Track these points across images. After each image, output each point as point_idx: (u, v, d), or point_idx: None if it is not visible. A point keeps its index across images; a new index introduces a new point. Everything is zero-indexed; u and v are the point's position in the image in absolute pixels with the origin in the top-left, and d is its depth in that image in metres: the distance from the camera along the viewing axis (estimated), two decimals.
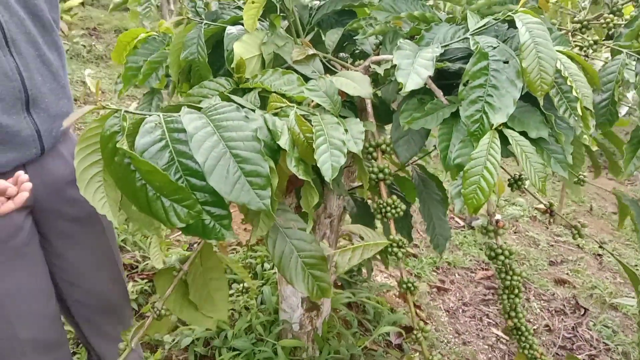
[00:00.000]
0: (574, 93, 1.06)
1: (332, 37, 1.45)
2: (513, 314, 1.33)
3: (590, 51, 1.49)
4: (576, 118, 1.06)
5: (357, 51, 1.57)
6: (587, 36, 1.53)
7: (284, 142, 0.99)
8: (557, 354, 2.76)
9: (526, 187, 1.40)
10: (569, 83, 1.06)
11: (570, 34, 1.52)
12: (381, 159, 1.21)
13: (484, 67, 1.06)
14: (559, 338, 2.92)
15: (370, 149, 1.21)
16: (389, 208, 1.15)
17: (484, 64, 1.06)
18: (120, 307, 1.66)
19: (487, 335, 2.84)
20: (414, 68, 1.05)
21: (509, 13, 1.09)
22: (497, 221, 1.26)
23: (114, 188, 0.92)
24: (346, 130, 1.08)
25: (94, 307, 1.58)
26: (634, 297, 3.29)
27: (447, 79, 1.25)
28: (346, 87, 1.18)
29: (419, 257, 3.51)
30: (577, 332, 3.01)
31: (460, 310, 3.04)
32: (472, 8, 1.22)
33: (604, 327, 3.07)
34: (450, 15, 1.32)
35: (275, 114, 1.13)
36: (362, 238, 1.14)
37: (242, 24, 1.33)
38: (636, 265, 4.17)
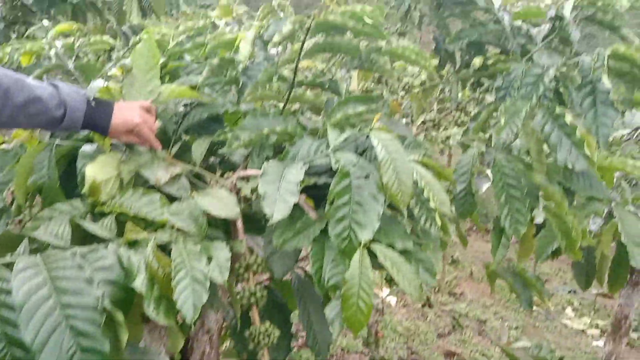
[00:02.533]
0: (432, 204, 1.10)
1: (199, 149, 1.40)
2: None
3: (447, 143, 1.59)
4: (436, 227, 1.09)
5: (226, 158, 1.54)
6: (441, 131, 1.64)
7: (139, 283, 0.91)
8: None
9: None
10: (426, 194, 1.10)
11: (423, 132, 1.63)
12: (252, 280, 1.16)
13: (347, 186, 1.07)
14: None
15: (241, 271, 1.15)
16: (261, 337, 1.08)
17: (346, 183, 1.07)
18: None
19: None
20: (280, 195, 1.03)
21: (366, 132, 1.13)
22: (376, 332, 1.25)
23: None
24: (210, 259, 1.01)
25: None
26: None
27: (317, 188, 1.26)
28: (212, 207, 1.13)
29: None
30: None
31: None
32: (332, 122, 1.25)
33: None
34: (314, 127, 1.34)
35: (133, 244, 1.05)
36: None
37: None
38: (517, 327, 4.42)
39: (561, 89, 1.30)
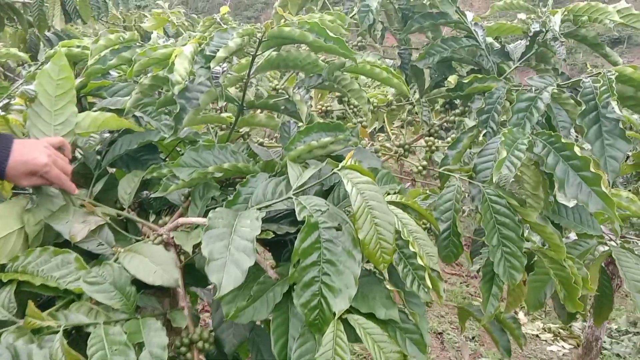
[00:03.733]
0: (419, 260, 0.90)
1: (127, 189, 1.15)
2: None
3: (421, 175, 1.41)
4: (426, 290, 0.89)
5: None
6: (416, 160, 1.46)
7: None
8: None
9: None
10: (411, 248, 0.91)
11: (395, 159, 1.44)
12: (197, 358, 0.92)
13: (316, 240, 0.86)
14: None
15: (183, 350, 0.91)
16: None
17: (315, 236, 0.86)
18: None
19: None
20: (231, 256, 0.81)
21: (334, 170, 0.92)
22: None
23: None
24: (141, 348, 0.78)
25: None
26: None
27: (275, 234, 1.04)
28: (143, 272, 0.89)
29: None
30: None
31: None
32: (292, 155, 1.03)
33: None
34: (270, 159, 1.12)
35: (37, 331, 0.80)
36: None
37: None
38: (474, 337, 4.34)
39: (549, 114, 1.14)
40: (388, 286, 0.91)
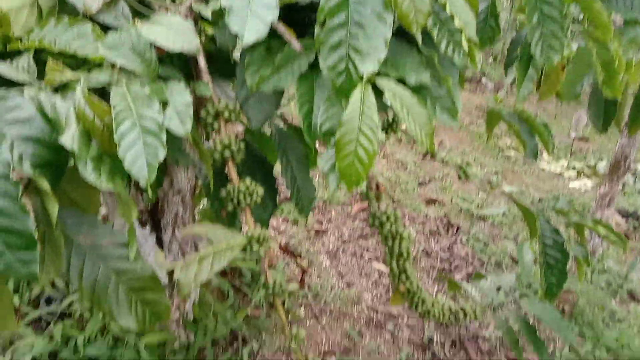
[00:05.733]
0: (456, 22, 0.83)
1: None
2: (404, 277, 1.17)
3: None
4: (461, 54, 0.84)
5: None
6: None
7: (69, 138, 0.66)
8: (437, 279, 2.79)
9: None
10: (448, 11, 0.84)
11: None
12: (225, 130, 0.92)
13: (343, 0, 0.79)
14: (437, 260, 2.96)
15: (209, 120, 0.90)
16: (242, 196, 0.87)
17: None
18: None
19: (369, 272, 2.78)
20: (252, 10, 0.75)
21: None
22: (377, 185, 1.06)
23: None
24: (165, 104, 0.76)
25: None
26: (497, 207, 3.44)
27: (297, 11, 0.97)
28: (162, 39, 0.85)
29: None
30: (453, 251, 3.07)
31: (341, 250, 2.94)
32: None
33: (475, 241, 3.17)
34: None
35: (59, 88, 0.79)
36: (211, 242, 0.86)
37: None
38: (496, 172, 4.40)
39: None
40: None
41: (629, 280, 2.85)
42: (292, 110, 3.27)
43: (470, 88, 6.84)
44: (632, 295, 2.85)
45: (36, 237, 0.58)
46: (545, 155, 5.18)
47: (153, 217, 1.56)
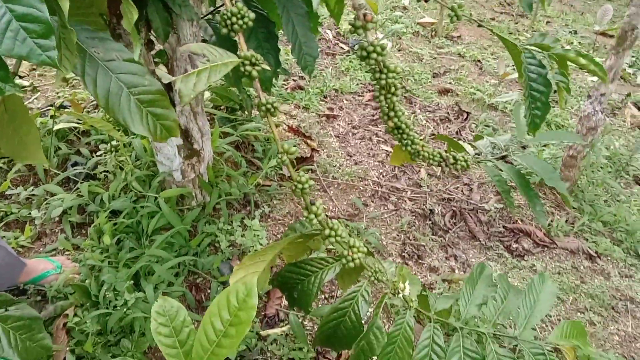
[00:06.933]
0: None
1: None
2: (392, 113, 1.25)
3: None
4: None
5: None
6: None
7: None
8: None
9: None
10: None
11: None
12: None
13: None
14: (443, 144, 3.04)
15: None
16: (234, 19, 0.95)
17: None
18: None
19: (377, 152, 2.89)
20: None
21: None
22: (364, 15, 1.12)
23: None
24: None
25: None
26: (510, 94, 3.45)
27: None
28: None
29: (306, 89, 3.39)
30: (461, 135, 3.15)
31: (351, 134, 3.04)
32: None
33: (485, 127, 3.22)
34: None
35: None
36: (207, 59, 0.95)
37: None
38: (513, 67, 4.35)
39: None
40: None
41: (634, 159, 2.90)
42: None
43: None
44: (636, 179, 2.92)
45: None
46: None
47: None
